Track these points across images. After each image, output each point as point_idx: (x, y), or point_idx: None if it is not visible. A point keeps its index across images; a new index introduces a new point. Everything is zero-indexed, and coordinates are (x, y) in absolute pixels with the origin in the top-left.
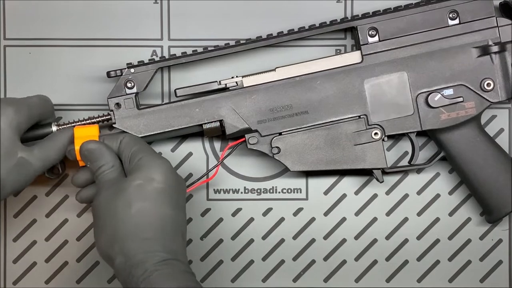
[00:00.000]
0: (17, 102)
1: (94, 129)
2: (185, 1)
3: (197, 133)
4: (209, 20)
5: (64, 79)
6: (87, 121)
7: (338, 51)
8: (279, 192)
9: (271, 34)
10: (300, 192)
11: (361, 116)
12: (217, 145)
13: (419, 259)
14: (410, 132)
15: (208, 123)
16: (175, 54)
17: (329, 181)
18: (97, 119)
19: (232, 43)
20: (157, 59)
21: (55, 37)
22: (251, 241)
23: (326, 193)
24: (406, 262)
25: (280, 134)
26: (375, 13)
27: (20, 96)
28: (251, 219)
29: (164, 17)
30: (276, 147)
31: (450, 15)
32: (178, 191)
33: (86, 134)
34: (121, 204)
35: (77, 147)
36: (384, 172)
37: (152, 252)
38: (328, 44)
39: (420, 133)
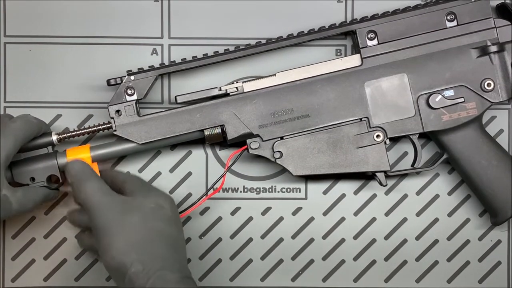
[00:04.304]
0: (3, 134)
1: (85, 149)
2: (186, 0)
3: None
4: (209, 19)
5: (64, 77)
6: (88, 130)
7: (338, 51)
8: (278, 192)
9: (271, 39)
10: (299, 192)
11: (363, 119)
12: (217, 144)
13: (417, 259)
14: (412, 134)
15: (209, 128)
16: (175, 61)
17: (328, 181)
18: (98, 127)
19: (232, 42)
20: (157, 57)
21: (56, 35)
22: (250, 240)
23: (325, 192)
24: (404, 262)
25: (281, 138)
26: (374, 17)
27: (19, 93)
28: (250, 218)
29: (164, 16)
30: (278, 151)
31: (448, 17)
32: (180, 221)
33: (77, 154)
34: (137, 220)
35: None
36: (386, 175)
37: (170, 267)
38: (328, 44)
39: (421, 135)
